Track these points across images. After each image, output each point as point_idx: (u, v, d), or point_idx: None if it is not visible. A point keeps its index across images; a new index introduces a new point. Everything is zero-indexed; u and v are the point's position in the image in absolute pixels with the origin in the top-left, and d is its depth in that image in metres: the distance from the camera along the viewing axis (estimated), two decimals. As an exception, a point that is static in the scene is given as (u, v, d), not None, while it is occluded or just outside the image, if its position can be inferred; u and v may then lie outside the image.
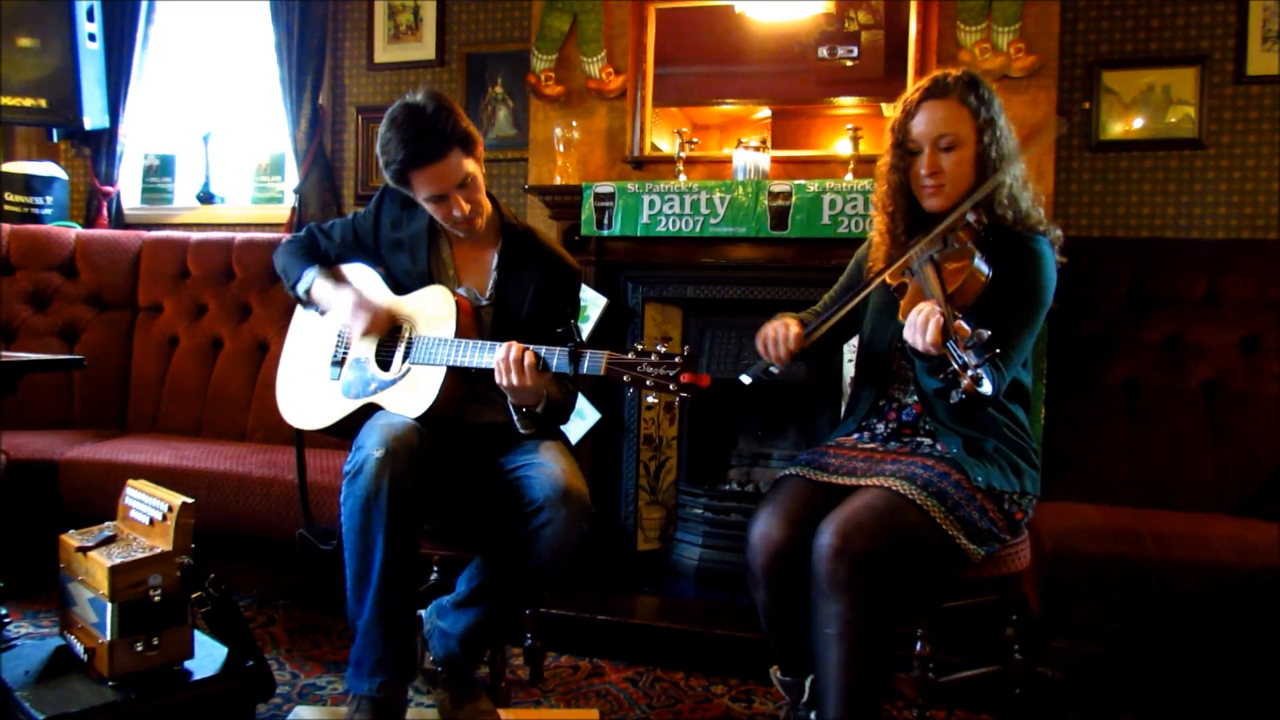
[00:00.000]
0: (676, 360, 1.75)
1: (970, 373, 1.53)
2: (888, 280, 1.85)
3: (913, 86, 1.91)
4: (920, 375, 1.84)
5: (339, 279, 2.18)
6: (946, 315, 1.60)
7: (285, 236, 2.38)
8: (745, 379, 1.91)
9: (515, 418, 2.01)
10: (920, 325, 1.63)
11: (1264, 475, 2.49)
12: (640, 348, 1.78)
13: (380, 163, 2.02)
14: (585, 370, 1.83)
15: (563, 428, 2.20)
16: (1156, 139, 2.99)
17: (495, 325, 2.11)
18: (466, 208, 2.02)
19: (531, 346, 1.86)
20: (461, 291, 2.11)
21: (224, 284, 3.44)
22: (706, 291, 3.01)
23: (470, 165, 2.00)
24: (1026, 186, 1.91)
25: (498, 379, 1.88)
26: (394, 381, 2.05)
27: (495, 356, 1.88)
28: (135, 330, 3.46)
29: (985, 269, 1.73)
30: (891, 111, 1.96)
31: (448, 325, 2.02)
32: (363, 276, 2.20)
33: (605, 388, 3.00)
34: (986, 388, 1.53)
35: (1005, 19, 2.74)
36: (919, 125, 1.86)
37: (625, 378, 1.78)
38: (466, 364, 1.95)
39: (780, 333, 1.89)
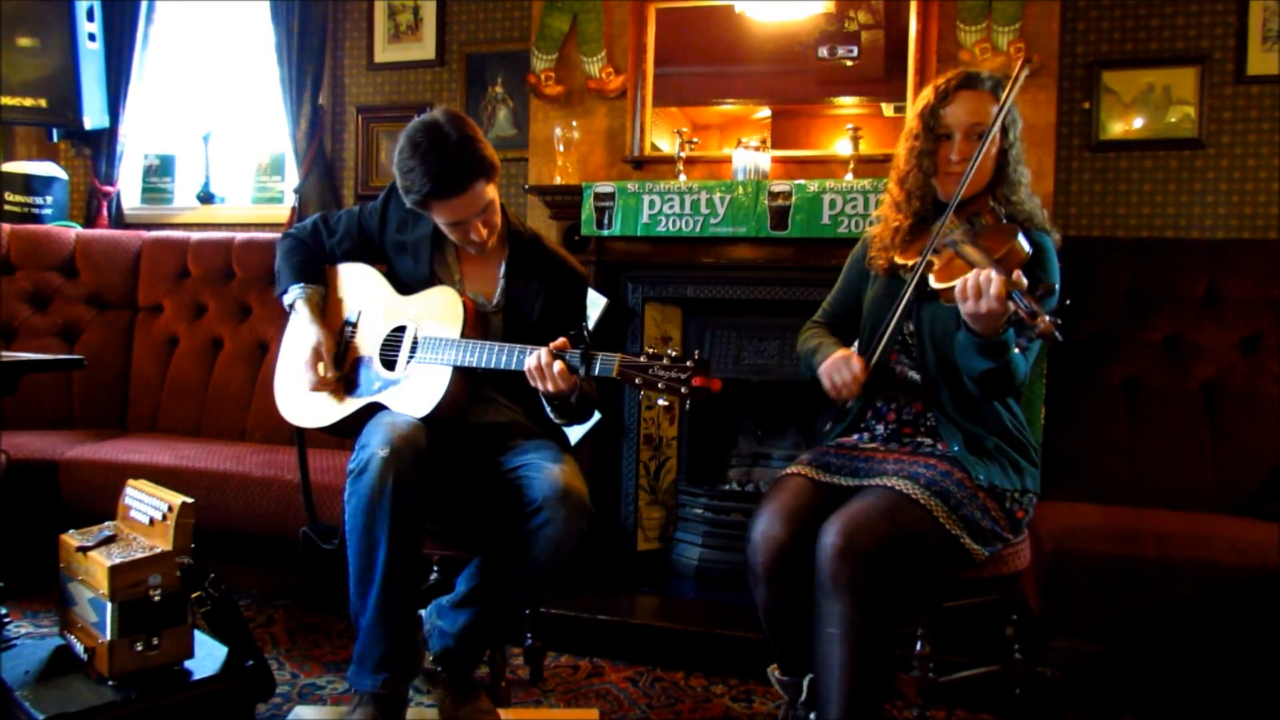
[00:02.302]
0: (688, 364, 1.75)
1: (1045, 317, 1.51)
2: (898, 259, 1.85)
3: (944, 76, 1.94)
4: (967, 357, 1.76)
5: (317, 309, 2.15)
6: (1002, 273, 1.58)
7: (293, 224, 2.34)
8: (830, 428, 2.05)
9: (549, 409, 2.01)
10: (980, 285, 1.59)
11: (1264, 475, 2.49)
12: (652, 351, 1.78)
13: (399, 185, 1.97)
14: (597, 372, 1.83)
15: (563, 428, 2.20)
16: (1156, 139, 2.99)
17: (506, 331, 2.10)
18: (485, 232, 2.02)
19: (560, 353, 1.85)
20: (469, 296, 2.11)
21: (224, 284, 3.44)
22: (706, 291, 3.01)
23: (491, 192, 1.99)
24: (1032, 191, 1.96)
25: (531, 383, 1.88)
26: (399, 381, 2.05)
27: (526, 363, 1.87)
28: (135, 330, 3.46)
29: (1026, 245, 1.73)
30: (916, 100, 1.98)
31: (454, 326, 2.01)
32: (364, 278, 2.20)
33: (606, 388, 2.99)
34: (1058, 335, 1.51)
35: (1005, 19, 2.74)
36: (953, 112, 1.89)
37: (637, 380, 1.79)
38: (474, 364, 1.95)
39: (845, 375, 1.88)
